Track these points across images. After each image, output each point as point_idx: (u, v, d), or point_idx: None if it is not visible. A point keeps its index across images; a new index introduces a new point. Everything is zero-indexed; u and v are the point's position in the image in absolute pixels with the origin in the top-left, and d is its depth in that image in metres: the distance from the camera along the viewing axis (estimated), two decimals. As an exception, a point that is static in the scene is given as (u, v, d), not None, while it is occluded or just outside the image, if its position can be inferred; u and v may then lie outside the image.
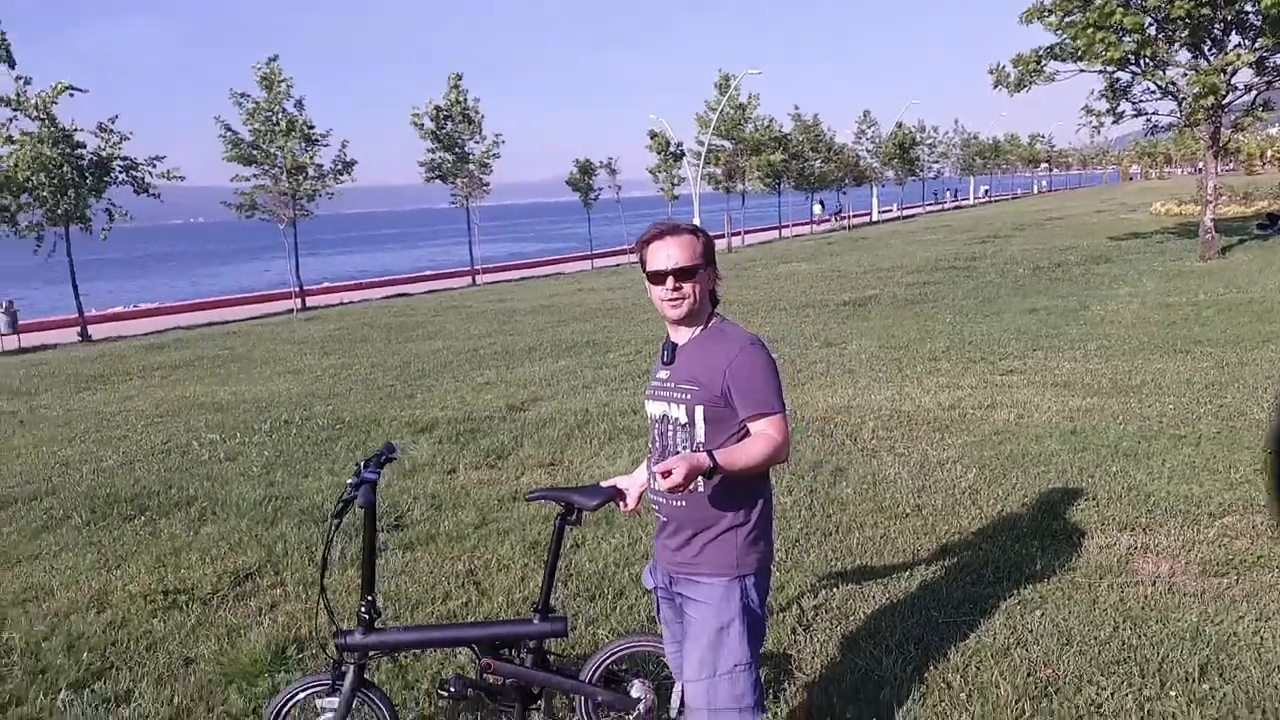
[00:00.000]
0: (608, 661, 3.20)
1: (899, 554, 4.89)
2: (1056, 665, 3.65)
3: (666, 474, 2.44)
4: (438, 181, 32.50)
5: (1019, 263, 20.88)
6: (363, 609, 3.07)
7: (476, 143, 32.15)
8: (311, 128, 27.86)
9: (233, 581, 5.10)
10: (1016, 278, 18.08)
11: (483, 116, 31.92)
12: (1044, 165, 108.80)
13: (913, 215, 59.27)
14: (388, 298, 28.22)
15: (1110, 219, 36.43)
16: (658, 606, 2.97)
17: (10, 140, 22.39)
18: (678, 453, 2.72)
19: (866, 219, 56.60)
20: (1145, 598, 4.19)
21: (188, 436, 9.04)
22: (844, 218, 46.45)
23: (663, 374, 2.81)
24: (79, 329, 23.43)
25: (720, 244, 39.53)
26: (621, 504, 3.10)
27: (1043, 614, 4.07)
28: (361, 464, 3.11)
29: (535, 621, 3.11)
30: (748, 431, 2.67)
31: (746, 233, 44.65)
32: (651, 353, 12.17)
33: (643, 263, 2.80)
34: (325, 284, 36.01)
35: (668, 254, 2.72)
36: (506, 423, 8.59)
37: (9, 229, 23.11)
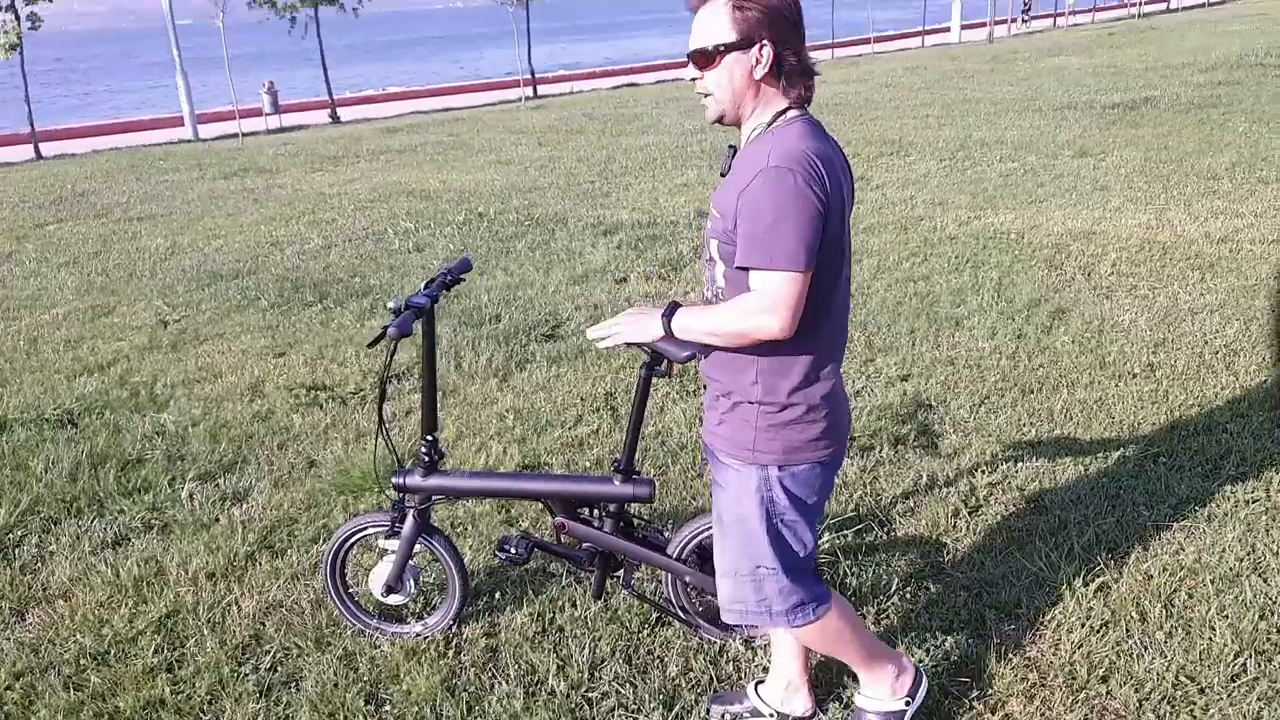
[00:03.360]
0: (700, 537, 2.69)
1: (1114, 426, 3.98)
2: (1301, 603, 2.79)
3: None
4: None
5: (1353, 61, 17.08)
6: (423, 449, 2.70)
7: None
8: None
9: (376, 381, 4.99)
10: (1346, 79, 14.78)
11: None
12: None
13: (1224, 1, 50.31)
14: (616, 88, 27.53)
15: None
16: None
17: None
18: (704, 297, 2.15)
19: (1163, 4, 48.64)
20: None
21: (387, 224, 9.10)
22: (1029, 19, 37.43)
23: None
24: (329, 111, 24.57)
25: (981, 33, 35.36)
26: None
27: (1295, 532, 3.13)
28: (425, 282, 2.64)
29: (617, 482, 2.63)
30: None
31: (1011, 20, 39.57)
32: (875, 157, 10.96)
33: None
34: (560, 72, 35.69)
35: (692, 28, 1.97)
36: (690, 230, 7.97)
37: (269, 8, 24.11)
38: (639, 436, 2.64)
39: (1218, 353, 4.66)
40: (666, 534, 2.76)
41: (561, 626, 2.91)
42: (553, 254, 7.47)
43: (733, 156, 2.08)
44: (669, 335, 2.07)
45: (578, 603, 3.00)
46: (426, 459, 2.70)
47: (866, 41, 34.81)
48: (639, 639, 2.83)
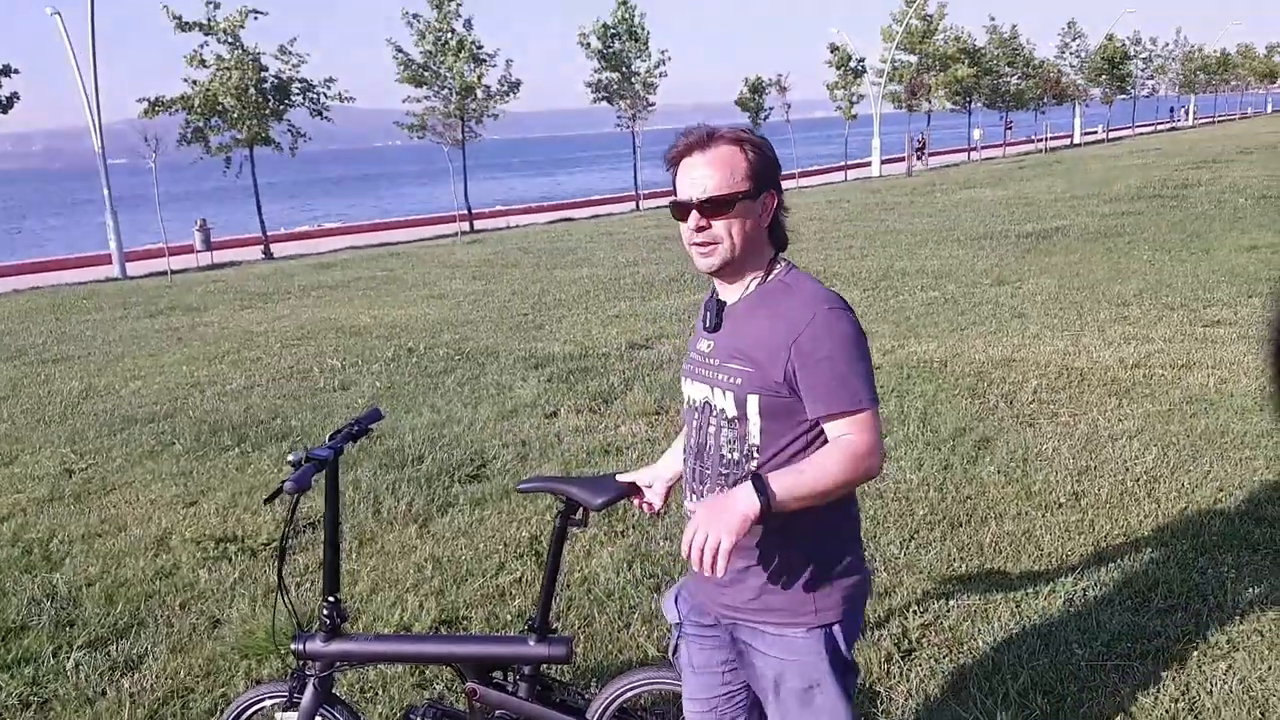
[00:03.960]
0: (622, 699, 2.54)
1: (1043, 559, 3.95)
2: (1240, 745, 2.71)
3: (704, 549, 1.75)
4: (604, 103, 31.93)
5: (1240, 191, 18.25)
6: (324, 612, 2.53)
7: (643, 61, 31.24)
8: (480, 47, 27.74)
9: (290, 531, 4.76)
10: (1235, 208, 15.73)
11: (649, 34, 30.90)
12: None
13: (1121, 138, 53.87)
14: (551, 222, 28.11)
15: (1361, 141, 31.64)
16: (674, 646, 2.26)
17: (204, 64, 23.37)
18: (721, 457, 1.97)
19: (1067, 141, 51.91)
20: (1380, 653, 3.12)
21: (313, 361, 8.95)
22: (923, 155, 37.77)
23: (704, 344, 2.04)
24: (263, 247, 24.56)
25: (899, 167, 37.20)
26: (640, 503, 2.39)
27: (1230, 669, 3.08)
28: (330, 434, 2.52)
29: (532, 643, 2.48)
30: (820, 432, 1.90)
31: (931, 155, 41.82)
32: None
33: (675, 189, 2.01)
34: (497, 207, 36.40)
35: (693, 176, 1.92)
36: (622, 362, 7.98)
37: (203, 149, 24.31)
38: (555, 592, 2.51)
39: (1139, 479, 4.71)
40: (589, 695, 2.60)
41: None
42: (482, 389, 7.39)
43: (718, 310, 2.01)
44: (764, 512, 1.77)
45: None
46: (328, 622, 2.53)
47: (792, 176, 36.36)
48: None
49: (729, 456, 1.97)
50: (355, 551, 4.53)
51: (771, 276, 1.98)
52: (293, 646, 2.54)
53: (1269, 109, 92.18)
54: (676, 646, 2.25)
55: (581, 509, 2.41)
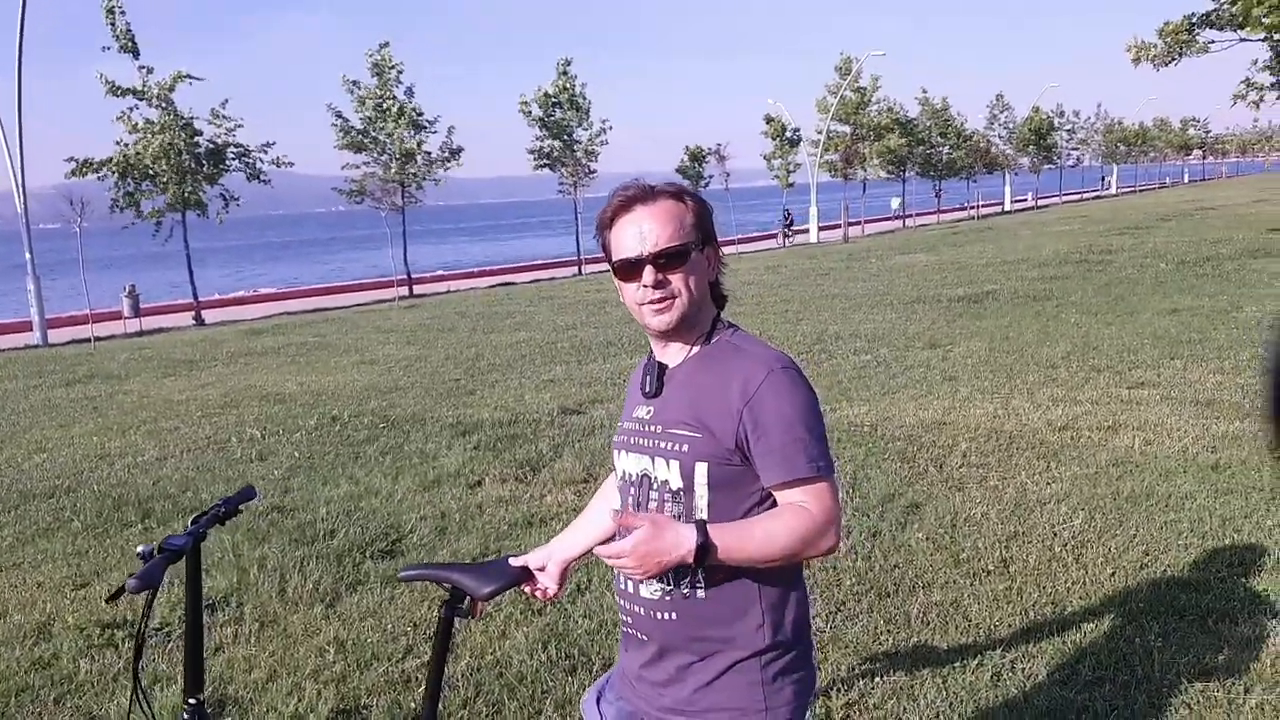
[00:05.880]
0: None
1: (970, 630, 3.83)
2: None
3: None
4: (546, 170, 32.17)
5: (1162, 256, 18.86)
6: (185, 715, 2.29)
7: (584, 129, 31.61)
8: (420, 114, 27.82)
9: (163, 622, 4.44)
10: (1157, 273, 16.22)
11: (590, 103, 31.35)
12: (1197, 152, 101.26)
13: (1049, 205, 55.75)
14: (492, 286, 27.99)
15: (1272, 209, 33.08)
16: None
17: (135, 128, 23.04)
18: None
19: (998, 208, 53.57)
20: (1308, 725, 3.04)
21: (233, 431, 8.62)
22: (792, 232, 37.51)
23: (643, 411, 1.89)
24: (194, 313, 24.00)
25: (836, 234, 37.93)
26: (533, 589, 2.21)
27: (1157, 745, 2.98)
28: (193, 517, 2.32)
29: (416, 745, 2.27)
30: (774, 502, 1.77)
31: (866, 222, 42.77)
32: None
33: (606, 250, 1.88)
34: (439, 272, 36.21)
35: (642, 230, 1.80)
36: (553, 428, 7.80)
37: (133, 214, 23.82)
38: (441, 684, 2.31)
39: (1066, 544, 4.65)
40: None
41: None
42: (404, 458, 7.14)
43: (659, 375, 1.88)
44: (697, 557, 1.67)
45: None
46: (188, 728, 2.29)
47: (732, 242, 36.83)
48: None
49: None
50: (255, 635, 4.25)
51: (716, 338, 1.87)
52: (147, 758, 2.30)
53: (1185, 179, 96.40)
54: None
55: (468, 598, 2.23)
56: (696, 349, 1.87)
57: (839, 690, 3.40)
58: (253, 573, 4.91)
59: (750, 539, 1.70)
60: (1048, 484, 5.58)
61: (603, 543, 2.05)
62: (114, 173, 22.78)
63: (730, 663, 1.78)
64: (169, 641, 4.17)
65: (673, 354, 1.88)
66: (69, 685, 3.86)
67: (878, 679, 3.47)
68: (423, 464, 6.94)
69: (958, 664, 3.54)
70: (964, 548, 4.66)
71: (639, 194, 1.83)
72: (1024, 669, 3.49)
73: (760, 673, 1.78)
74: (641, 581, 1.83)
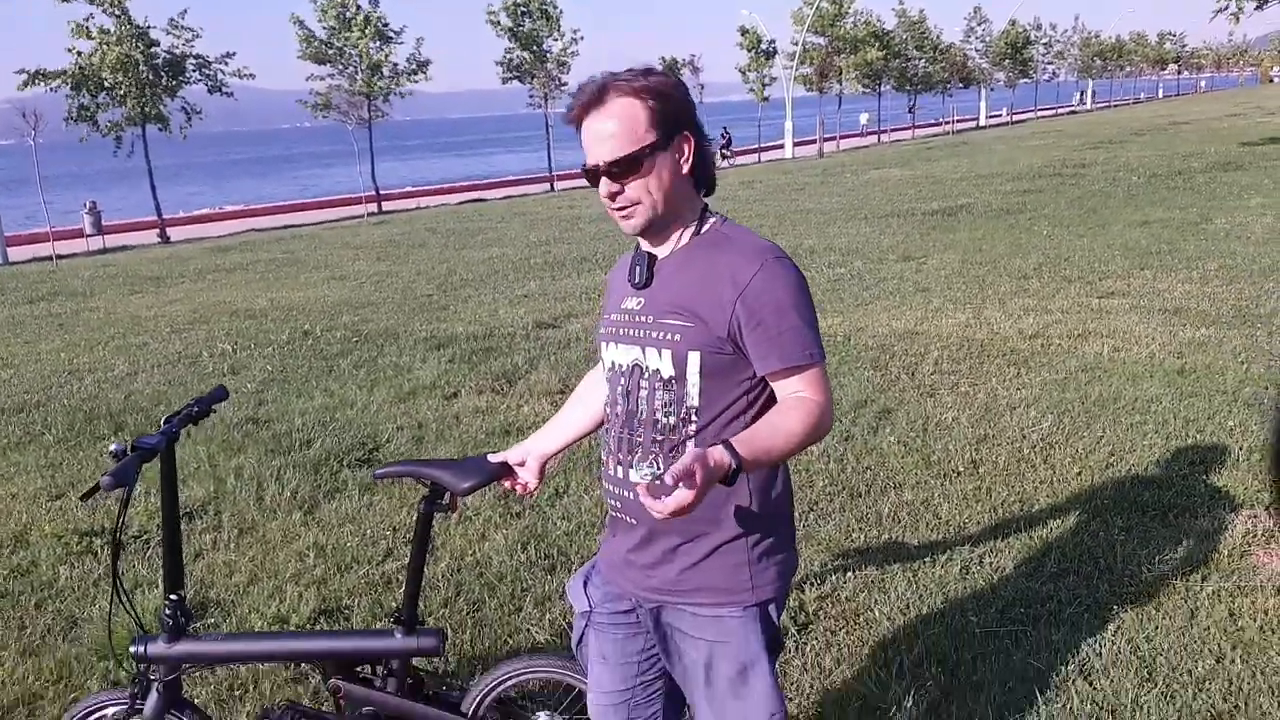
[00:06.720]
0: (500, 689, 2.39)
1: (940, 527, 3.93)
2: (1131, 712, 2.69)
3: (660, 492, 1.53)
4: (516, 83, 31.45)
5: (1134, 170, 18.88)
6: (166, 611, 2.31)
7: (555, 40, 30.83)
8: (386, 24, 26.97)
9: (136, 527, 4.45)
10: (1129, 186, 16.25)
11: (561, 12, 30.49)
12: (1173, 67, 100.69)
13: (1023, 120, 55.40)
14: (463, 203, 27.59)
15: (1244, 123, 33.11)
16: (580, 637, 2.09)
17: (89, 36, 22.18)
18: (656, 423, 1.80)
19: (973, 124, 53.20)
20: (1266, 613, 3.15)
21: (204, 346, 8.53)
22: (731, 153, 33.96)
23: (632, 302, 1.86)
24: (159, 231, 23.52)
25: (810, 149, 37.56)
26: (513, 484, 2.22)
27: (1118, 630, 3.08)
28: (165, 417, 2.30)
29: (398, 636, 2.30)
30: (763, 390, 1.78)
31: (841, 138, 42.36)
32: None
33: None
34: (408, 188, 35.58)
35: (594, 138, 1.75)
36: (528, 341, 7.78)
37: (90, 127, 23.11)
38: (421, 581, 2.34)
39: (1035, 446, 4.74)
40: (466, 686, 2.45)
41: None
42: (379, 371, 7.12)
43: (648, 265, 1.85)
44: (740, 468, 1.61)
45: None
46: (171, 623, 2.31)
47: (706, 157, 36.30)
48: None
49: (664, 421, 1.81)
50: (234, 541, 4.27)
51: (706, 228, 1.84)
52: (131, 650, 2.32)
53: (1160, 94, 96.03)
54: (582, 637, 2.09)
55: (448, 494, 2.24)
56: (687, 239, 1.84)
57: (812, 584, 3.48)
58: (229, 482, 4.92)
59: (770, 436, 1.68)
60: (1018, 390, 5.67)
61: (578, 439, 2.11)
62: (69, 83, 22.00)
63: (717, 544, 1.81)
64: (148, 548, 4.19)
65: (662, 246, 1.86)
66: (49, 590, 3.87)
67: (849, 574, 3.55)
68: (397, 376, 6.92)
69: (927, 559, 3.63)
70: (934, 450, 4.75)
71: (592, 97, 1.76)
72: (991, 563, 3.59)
73: (747, 554, 1.82)
74: (632, 465, 1.85)
